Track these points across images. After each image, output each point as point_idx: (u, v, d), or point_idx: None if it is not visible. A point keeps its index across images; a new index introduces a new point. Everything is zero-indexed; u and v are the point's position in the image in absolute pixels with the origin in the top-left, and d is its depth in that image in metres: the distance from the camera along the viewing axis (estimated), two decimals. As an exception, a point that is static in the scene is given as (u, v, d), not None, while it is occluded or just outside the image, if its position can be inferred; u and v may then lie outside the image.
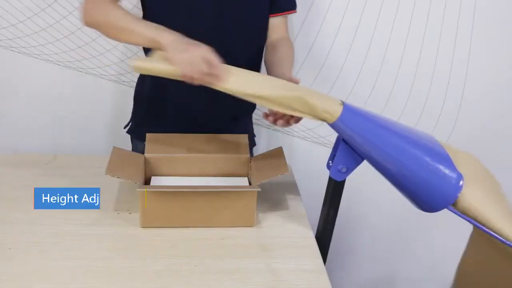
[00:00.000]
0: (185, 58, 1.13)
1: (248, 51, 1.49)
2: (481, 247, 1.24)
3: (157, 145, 1.39)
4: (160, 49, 1.18)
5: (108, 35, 1.29)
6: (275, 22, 1.50)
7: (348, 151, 1.15)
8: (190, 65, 1.13)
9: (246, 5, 1.43)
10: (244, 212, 1.31)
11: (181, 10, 1.39)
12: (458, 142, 2.00)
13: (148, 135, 1.42)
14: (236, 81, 1.15)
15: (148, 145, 1.40)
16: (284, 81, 1.21)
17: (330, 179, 1.27)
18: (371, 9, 1.79)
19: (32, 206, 1.22)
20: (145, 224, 1.28)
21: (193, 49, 1.14)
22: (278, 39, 1.51)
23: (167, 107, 1.53)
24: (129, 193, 1.41)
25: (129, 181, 1.24)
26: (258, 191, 1.28)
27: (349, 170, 1.18)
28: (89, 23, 1.30)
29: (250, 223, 1.32)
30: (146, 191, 1.23)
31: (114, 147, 1.33)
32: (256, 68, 1.56)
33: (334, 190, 1.27)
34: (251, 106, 1.66)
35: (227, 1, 1.39)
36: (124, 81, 1.86)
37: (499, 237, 1.04)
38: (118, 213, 1.33)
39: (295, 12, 1.53)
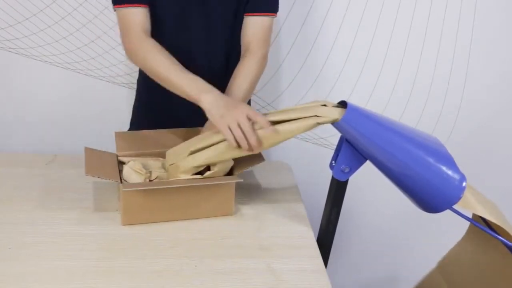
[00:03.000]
0: (225, 124, 1.16)
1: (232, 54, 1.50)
2: (474, 244, 1.25)
3: (128, 143, 1.38)
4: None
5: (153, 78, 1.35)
6: (249, 22, 1.44)
7: (351, 151, 1.15)
8: (231, 130, 1.16)
9: (229, 7, 1.43)
10: (224, 202, 1.33)
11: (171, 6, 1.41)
12: (458, 142, 2.02)
13: (116, 133, 1.41)
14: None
15: (118, 143, 1.39)
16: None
17: (333, 179, 1.27)
18: (372, 8, 1.79)
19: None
20: (126, 222, 1.28)
21: (231, 113, 1.17)
22: (248, 48, 1.45)
23: (167, 116, 1.53)
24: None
25: (110, 180, 1.24)
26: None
27: (352, 170, 1.18)
28: (133, 62, 1.39)
29: (229, 212, 1.35)
30: (131, 190, 1.23)
31: (86, 148, 1.32)
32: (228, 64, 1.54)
33: (337, 190, 1.27)
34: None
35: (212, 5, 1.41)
36: (123, 83, 1.86)
37: (499, 236, 1.04)
38: (118, 213, 1.33)
39: (275, 16, 1.46)
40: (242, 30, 1.46)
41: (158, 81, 1.33)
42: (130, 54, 1.37)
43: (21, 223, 1.27)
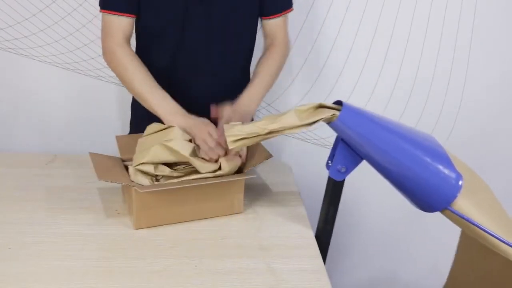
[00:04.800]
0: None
1: (234, 57, 1.53)
2: (470, 251, 1.24)
3: (131, 146, 1.37)
4: None
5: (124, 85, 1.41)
6: (270, 24, 1.50)
7: (347, 151, 1.15)
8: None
9: (234, 10, 1.44)
10: (234, 200, 1.34)
11: (171, 20, 1.42)
12: (458, 142, 2.02)
13: (117, 137, 1.42)
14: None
15: (121, 147, 1.39)
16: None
17: (329, 178, 1.27)
18: (372, 9, 1.79)
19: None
20: (139, 226, 1.27)
21: (198, 135, 1.28)
22: (270, 44, 1.52)
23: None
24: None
25: (123, 184, 1.24)
26: (246, 182, 1.33)
27: (348, 170, 1.18)
28: (108, 65, 1.42)
29: (239, 209, 1.36)
30: (146, 192, 1.22)
31: (90, 153, 1.32)
32: (245, 73, 1.59)
33: (334, 190, 1.27)
34: None
35: (215, 7, 1.42)
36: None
37: (498, 236, 1.04)
38: (118, 213, 1.33)
39: (291, 10, 1.52)
40: (263, 29, 1.52)
41: (129, 90, 1.39)
42: (107, 58, 1.40)
43: (21, 223, 1.27)
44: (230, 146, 1.16)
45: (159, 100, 1.34)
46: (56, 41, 1.78)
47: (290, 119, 1.11)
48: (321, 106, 1.11)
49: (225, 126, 1.21)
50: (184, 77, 1.50)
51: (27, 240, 1.21)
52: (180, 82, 1.50)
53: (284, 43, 1.53)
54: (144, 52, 1.51)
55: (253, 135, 1.15)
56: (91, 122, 1.94)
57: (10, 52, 1.79)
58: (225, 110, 1.35)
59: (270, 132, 1.13)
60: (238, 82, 1.53)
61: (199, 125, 1.31)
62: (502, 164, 2.13)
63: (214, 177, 1.29)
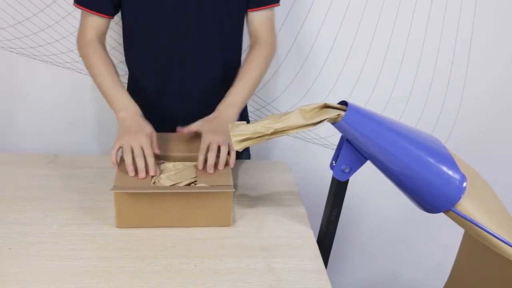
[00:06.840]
0: (120, 143, 1.29)
1: (227, 47, 1.53)
2: (472, 251, 1.24)
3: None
4: None
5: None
6: (254, 17, 1.49)
7: (351, 151, 1.15)
8: (124, 148, 1.29)
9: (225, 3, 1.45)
10: (221, 212, 1.31)
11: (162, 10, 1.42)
12: (458, 142, 2.02)
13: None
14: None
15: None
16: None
17: (333, 179, 1.27)
18: (372, 9, 1.79)
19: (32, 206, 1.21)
20: (121, 225, 1.27)
21: (127, 138, 1.30)
22: (254, 42, 1.51)
23: (157, 114, 1.54)
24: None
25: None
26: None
27: (353, 171, 1.18)
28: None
29: (227, 223, 1.32)
30: (121, 192, 1.22)
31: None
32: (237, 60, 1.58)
33: (337, 191, 1.26)
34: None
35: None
36: (123, 83, 1.86)
37: (502, 237, 1.04)
38: (118, 213, 1.33)
39: (278, 5, 1.50)
40: (248, 24, 1.51)
41: (95, 83, 1.43)
42: (80, 54, 1.45)
43: (21, 223, 1.27)
44: (235, 147, 1.15)
45: (115, 94, 1.40)
46: (57, 41, 1.78)
47: (295, 119, 1.11)
48: (326, 106, 1.10)
49: (230, 126, 1.21)
50: (178, 69, 1.50)
51: (27, 240, 1.21)
52: (174, 75, 1.50)
53: (269, 42, 1.51)
54: (134, 50, 1.51)
55: (258, 135, 1.15)
56: (91, 122, 1.94)
57: (11, 51, 1.79)
58: (198, 125, 1.39)
59: (275, 132, 1.13)
60: (231, 71, 1.52)
61: (134, 131, 1.32)
62: (502, 164, 2.13)
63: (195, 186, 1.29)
